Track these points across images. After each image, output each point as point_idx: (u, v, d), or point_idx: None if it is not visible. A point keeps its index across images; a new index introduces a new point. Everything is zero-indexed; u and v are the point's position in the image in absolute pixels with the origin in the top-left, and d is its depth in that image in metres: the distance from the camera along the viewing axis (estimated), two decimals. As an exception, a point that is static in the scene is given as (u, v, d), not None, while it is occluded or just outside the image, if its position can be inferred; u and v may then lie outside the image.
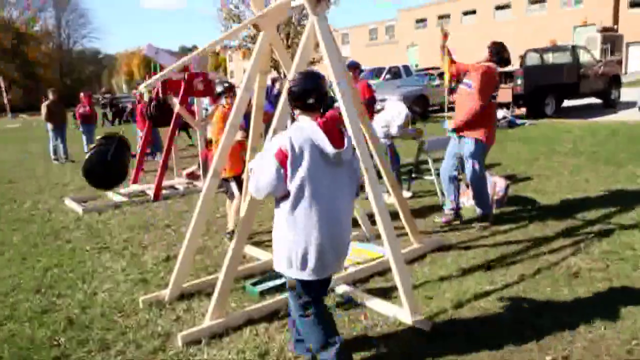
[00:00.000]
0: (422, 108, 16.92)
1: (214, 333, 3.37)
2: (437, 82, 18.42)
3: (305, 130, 2.57)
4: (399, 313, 3.49)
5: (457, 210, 5.60)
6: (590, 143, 10.25)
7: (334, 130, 2.63)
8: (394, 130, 6.34)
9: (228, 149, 4.00)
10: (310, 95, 2.59)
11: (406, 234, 4.75)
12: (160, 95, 8.37)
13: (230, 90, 5.60)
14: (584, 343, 3.09)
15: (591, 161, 8.44)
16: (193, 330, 3.37)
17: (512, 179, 7.24)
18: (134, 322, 3.64)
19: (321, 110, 2.69)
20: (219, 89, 5.63)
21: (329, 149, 2.54)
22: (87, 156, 7.02)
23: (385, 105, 6.71)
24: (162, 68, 8.42)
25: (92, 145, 7.42)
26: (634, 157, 8.56)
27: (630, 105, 15.98)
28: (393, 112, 6.40)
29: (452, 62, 5.51)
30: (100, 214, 6.87)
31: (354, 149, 2.79)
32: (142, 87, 4.29)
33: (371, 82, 19.96)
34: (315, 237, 2.57)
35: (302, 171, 2.52)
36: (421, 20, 49.74)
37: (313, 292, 2.72)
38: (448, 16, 46.91)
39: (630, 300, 3.59)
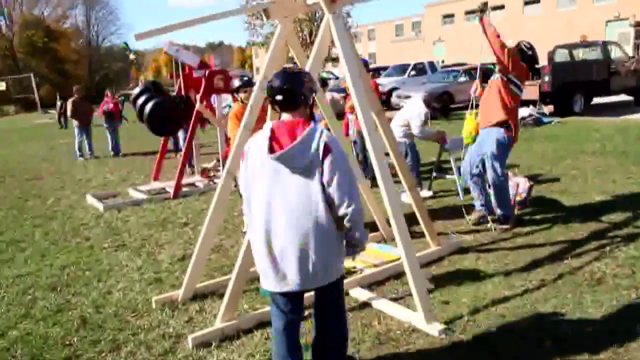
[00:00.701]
0: (446, 104, 16.68)
1: (224, 335, 3.35)
2: (462, 78, 18.15)
3: (263, 132, 2.51)
4: (414, 318, 3.41)
5: (486, 204, 5.45)
6: (620, 142, 9.91)
7: (290, 134, 2.43)
8: (415, 131, 6.22)
9: (243, 148, 3.96)
10: (277, 92, 2.48)
11: (425, 236, 4.66)
12: (183, 92, 8.42)
13: (248, 84, 5.57)
14: (608, 354, 2.96)
15: (619, 161, 8.15)
16: (204, 332, 3.35)
17: (536, 179, 7.05)
18: (146, 322, 3.64)
19: (307, 110, 2.57)
20: (236, 83, 5.61)
21: (265, 154, 2.41)
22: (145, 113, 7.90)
23: (404, 104, 6.60)
24: (184, 66, 8.47)
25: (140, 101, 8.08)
26: (665, 157, 8.24)
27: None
28: (412, 112, 6.29)
29: (494, 34, 4.95)
30: (120, 211, 6.93)
31: (326, 155, 2.38)
32: (135, 34, 4.10)
33: (395, 78, 19.91)
34: (257, 245, 2.48)
35: (246, 175, 2.51)
36: (448, 16, 49.05)
37: (277, 304, 2.60)
38: (473, 12, 46.14)
39: (657, 309, 3.43)
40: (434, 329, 3.28)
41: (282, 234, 2.39)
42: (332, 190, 2.37)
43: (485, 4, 4.91)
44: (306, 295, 2.75)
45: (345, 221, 2.43)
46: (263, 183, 2.43)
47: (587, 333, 3.21)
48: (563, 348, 3.05)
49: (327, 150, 2.36)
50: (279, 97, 2.48)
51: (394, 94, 17.71)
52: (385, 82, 19.43)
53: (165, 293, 4.06)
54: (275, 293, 2.54)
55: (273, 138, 2.44)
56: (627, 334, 3.15)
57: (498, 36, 4.94)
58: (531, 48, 5.15)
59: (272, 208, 2.40)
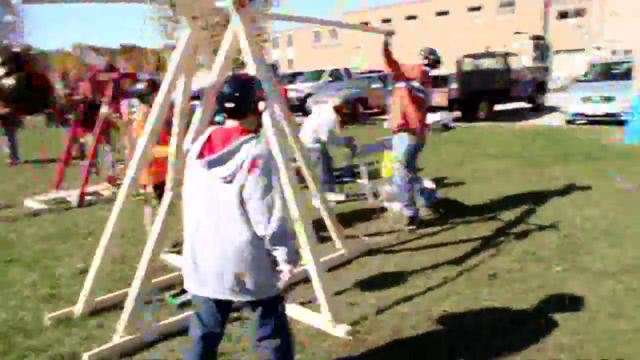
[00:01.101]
0: (357, 111, 17.11)
1: (125, 351, 3.19)
2: (376, 85, 18.70)
3: (202, 137, 2.45)
4: (320, 321, 3.44)
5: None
6: (518, 146, 10.67)
7: (223, 142, 2.34)
8: (324, 137, 6.30)
9: (146, 157, 3.82)
10: (228, 100, 2.37)
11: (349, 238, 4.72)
12: (90, 95, 8.00)
13: (154, 88, 5.35)
14: (502, 342, 3.16)
15: (518, 163, 8.76)
16: (102, 349, 3.16)
17: (442, 181, 7.39)
18: (37, 342, 3.38)
19: (257, 118, 2.46)
20: (140, 87, 5.37)
21: (195, 157, 2.37)
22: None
23: (313, 110, 6.68)
24: (90, 66, 8.08)
25: None
26: (556, 159, 8.98)
27: (555, 109, 16.80)
28: (322, 118, 6.37)
29: (393, 60, 5.31)
30: (16, 222, 6.43)
31: (252, 169, 2.24)
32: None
33: (311, 84, 20.11)
34: (184, 248, 2.44)
35: (185, 178, 2.47)
36: (365, 24, 50.39)
37: (197, 313, 2.54)
38: (389, 20, 47.88)
39: (542, 300, 3.72)
40: (340, 330, 3.33)
41: (205, 243, 2.34)
42: (251, 207, 2.24)
43: (392, 32, 5.18)
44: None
45: (266, 242, 2.27)
46: (194, 189, 2.38)
47: (485, 324, 3.41)
48: (462, 340, 3.22)
49: (254, 164, 2.23)
50: (229, 105, 2.36)
51: (310, 99, 17.88)
52: (301, 87, 19.57)
53: (61, 309, 3.80)
54: (198, 299, 2.48)
55: (207, 143, 2.38)
56: (519, 323, 3.40)
57: (393, 62, 5.27)
58: (433, 52, 5.42)
59: (199, 215, 2.35)
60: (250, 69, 3.61)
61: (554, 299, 3.73)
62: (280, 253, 2.28)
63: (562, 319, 3.42)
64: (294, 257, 2.32)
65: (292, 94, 16.26)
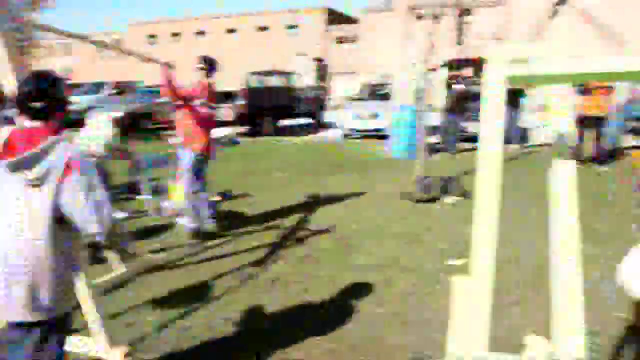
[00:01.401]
0: (137, 125, 16.49)
1: None
2: (162, 99, 18.20)
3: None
4: (93, 347, 3.21)
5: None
6: (299, 158, 11.48)
7: (28, 143, 2.09)
8: (98, 149, 5.89)
9: None
10: (35, 99, 2.15)
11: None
12: None
13: None
14: (280, 342, 3.33)
15: (299, 174, 9.41)
16: None
17: (228, 194, 7.53)
18: None
19: (62, 119, 2.26)
20: None
21: None
22: None
23: (89, 123, 6.23)
24: None
25: None
26: (332, 169, 9.89)
27: (332, 125, 18.45)
28: (98, 131, 5.94)
29: (173, 88, 5.25)
30: None
31: (68, 173, 2.07)
32: None
33: (92, 97, 18.70)
34: None
35: None
36: (152, 36, 48.70)
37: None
38: (179, 34, 47.19)
39: (318, 297, 4.05)
40: (116, 355, 3.14)
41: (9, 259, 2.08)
42: (76, 209, 2.08)
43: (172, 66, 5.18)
44: None
45: (101, 239, 2.19)
46: (6, 196, 2.08)
47: (266, 326, 3.60)
48: (244, 344, 3.35)
49: (69, 167, 2.06)
50: (35, 104, 2.13)
51: (88, 113, 16.60)
52: (82, 100, 18.04)
53: None
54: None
55: (7, 145, 2.09)
56: (296, 323, 3.63)
57: (174, 90, 5.24)
58: (205, 59, 5.53)
59: (7, 224, 2.07)
60: (5, 79, 3.21)
61: (328, 295, 4.09)
62: (119, 246, 2.34)
63: (335, 311, 3.79)
64: (126, 244, 2.40)
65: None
